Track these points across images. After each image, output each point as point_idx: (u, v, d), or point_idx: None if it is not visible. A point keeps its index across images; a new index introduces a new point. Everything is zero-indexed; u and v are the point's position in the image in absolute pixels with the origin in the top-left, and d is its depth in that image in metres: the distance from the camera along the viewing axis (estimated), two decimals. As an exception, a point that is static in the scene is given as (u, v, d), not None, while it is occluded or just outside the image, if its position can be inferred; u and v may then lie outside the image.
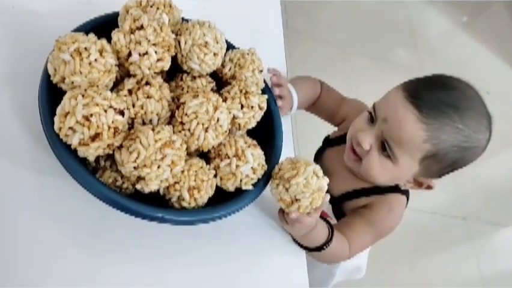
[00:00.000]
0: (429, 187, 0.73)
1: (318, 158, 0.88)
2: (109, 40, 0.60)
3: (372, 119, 0.71)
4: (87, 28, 0.61)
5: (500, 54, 2.61)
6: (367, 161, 0.70)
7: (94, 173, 0.55)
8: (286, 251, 0.66)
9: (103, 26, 0.62)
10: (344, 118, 0.87)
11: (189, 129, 0.55)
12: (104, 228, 0.55)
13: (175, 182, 0.54)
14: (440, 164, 0.68)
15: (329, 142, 0.87)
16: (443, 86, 0.67)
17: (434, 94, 0.66)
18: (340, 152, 0.76)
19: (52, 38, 0.54)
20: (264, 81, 0.70)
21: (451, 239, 1.84)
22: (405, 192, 0.78)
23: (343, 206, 0.79)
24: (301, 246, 0.67)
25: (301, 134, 1.45)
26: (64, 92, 0.52)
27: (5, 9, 0.66)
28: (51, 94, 0.54)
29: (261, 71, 0.68)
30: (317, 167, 0.58)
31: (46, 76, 0.54)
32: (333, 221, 0.81)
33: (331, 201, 0.68)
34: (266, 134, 0.67)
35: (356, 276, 1.02)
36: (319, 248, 0.66)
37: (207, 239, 0.61)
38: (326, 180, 0.59)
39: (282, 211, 0.62)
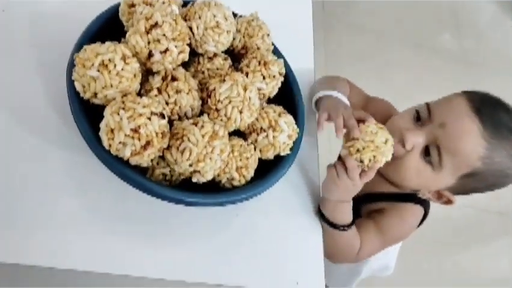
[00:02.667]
0: (449, 201, 0.71)
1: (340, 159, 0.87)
2: (118, 36, 0.59)
3: (419, 119, 0.68)
4: (93, 30, 0.60)
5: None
6: (404, 162, 0.67)
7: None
8: (304, 237, 0.67)
9: (108, 24, 0.62)
10: None
11: (225, 115, 0.57)
12: (125, 208, 0.58)
13: (225, 166, 0.57)
14: (477, 184, 0.67)
15: None
16: (506, 109, 0.66)
17: (499, 114, 0.65)
18: None
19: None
20: (272, 43, 0.71)
21: (486, 234, 1.78)
22: (425, 204, 0.77)
23: (361, 208, 0.79)
24: (325, 220, 0.67)
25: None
26: (93, 104, 0.54)
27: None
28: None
29: (268, 35, 0.68)
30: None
31: (73, 92, 0.54)
32: None
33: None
34: (285, 96, 0.69)
35: (384, 274, 1.02)
36: (339, 226, 0.67)
37: (227, 221, 0.63)
38: (391, 151, 0.62)
39: (336, 167, 0.64)
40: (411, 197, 0.76)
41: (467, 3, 2.44)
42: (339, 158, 0.65)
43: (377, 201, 0.77)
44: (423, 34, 2.23)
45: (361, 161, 0.63)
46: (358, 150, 0.62)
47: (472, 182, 0.67)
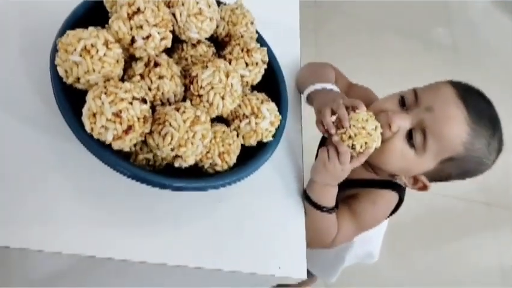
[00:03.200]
0: (424, 187, 0.73)
1: (321, 146, 0.85)
2: (102, 22, 0.60)
3: (403, 103, 0.69)
4: (78, 16, 0.61)
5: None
6: (389, 144, 0.67)
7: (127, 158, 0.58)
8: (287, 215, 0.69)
9: (93, 10, 0.62)
10: None
11: (207, 101, 0.58)
12: (115, 195, 0.59)
13: (207, 152, 0.58)
14: (455, 169, 0.69)
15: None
16: (486, 100, 0.69)
17: (481, 104, 0.68)
18: None
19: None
20: (256, 31, 0.71)
21: (473, 225, 1.81)
22: (400, 191, 0.78)
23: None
24: (311, 202, 0.69)
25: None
26: (76, 89, 0.54)
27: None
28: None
29: (252, 22, 0.69)
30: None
31: (56, 77, 0.55)
32: None
33: None
34: (268, 83, 0.70)
35: (368, 261, 1.03)
36: (322, 208, 0.68)
37: (215, 205, 0.64)
38: (380, 137, 0.65)
39: (328, 150, 0.66)
40: (387, 184, 0.77)
41: (458, -5, 2.46)
42: (323, 143, 0.66)
43: (352, 188, 0.78)
44: (416, 27, 2.25)
45: (353, 148, 0.64)
46: (350, 137, 0.64)
47: (450, 167, 0.69)
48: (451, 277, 1.65)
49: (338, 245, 0.76)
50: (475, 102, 0.67)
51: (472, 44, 2.34)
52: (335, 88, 0.76)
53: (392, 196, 0.78)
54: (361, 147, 0.64)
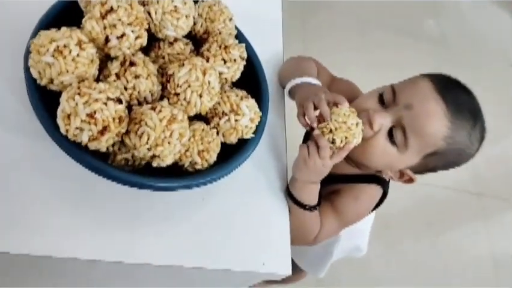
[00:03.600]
0: (410, 180, 0.73)
1: (308, 138, 0.85)
2: (77, 22, 0.59)
3: (383, 101, 0.69)
4: (51, 16, 0.60)
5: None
6: (370, 143, 0.68)
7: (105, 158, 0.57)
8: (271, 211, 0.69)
9: (66, 10, 0.61)
10: None
11: (185, 99, 0.57)
12: (95, 196, 0.58)
13: (186, 150, 0.58)
14: (438, 162, 0.69)
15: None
16: (467, 92, 0.68)
17: (461, 96, 0.67)
18: None
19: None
20: (236, 27, 0.71)
21: (464, 215, 1.81)
22: (383, 184, 0.78)
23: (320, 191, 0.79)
24: (293, 199, 0.69)
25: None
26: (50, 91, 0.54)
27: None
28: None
29: (231, 18, 0.68)
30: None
31: (30, 78, 0.54)
32: None
33: None
34: (248, 79, 0.70)
35: (356, 255, 1.03)
36: (304, 206, 0.68)
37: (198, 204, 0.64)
38: (361, 134, 0.65)
39: (308, 147, 0.65)
40: (370, 178, 0.77)
41: (447, -14, 2.46)
42: (307, 138, 0.66)
43: (335, 183, 0.77)
44: (405, 20, 2.24)
45: (333, 142, 0.64)
46: (331, 131, 0.64)
47: (434, 161, 0.69)
48: (442, 267, 1.66)
49: (321, 241, 0.76)
50: (454, 95, 0.66)
51: (462, 36, 2.34)
52: (317, 82, 0.75)
53: (375, 190, 0.78)
54: (341, 141, 0.64)
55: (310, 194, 0.69)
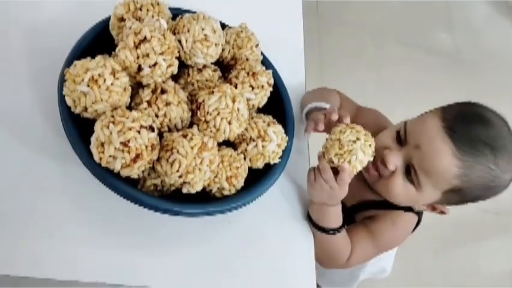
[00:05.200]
0: (442, 212, 0.73)
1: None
2: (109, 48, 0.61)
3: (400, 139, 0.70)
4: (84, 45, 0.61)
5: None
6: (390, 183, 0.69)
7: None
8: (296, 244, 0.68)
9: (98, 37, 0.63)
10: None
11: (214, 126, 0.58)
12: (124, 220, 0.59)
13: (214, 176, 0.58)
14: (461, 198, 0.69)
15: None
16: (482, 122, 0.66)
17: (473, 130, 0.65)
18: None
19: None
20: (262, 53, 0.72)
21: (482, 233, 1.78)
22: (419, 212, 0.78)
23: (354, 218, 0.80)
24: (313, 223, 0.68)
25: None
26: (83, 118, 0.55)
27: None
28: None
29: (257, 45, 0.69)
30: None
31: (64, 106, 0.55)
32: None
33: (343, 211, 0.70)
34: (275, 105, 0.70)
35: (381, 276, 1.03)
36: (328, 231, 0.68)
37: (218, 229, 0.64)
38: (362, 150, 0.62)
39: (314, 170, 0.65)
40: (405, 207, 0.76)
41: (461, 2, 2.45)
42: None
43: (370, 209, 0.77)
44: (418, 33, 2.25)
45: (332, 161, 0.63)
46: (327, 149, 0.64)
47: (458, 197, 0.69)
48: (460, 284, 1.63)
49: (355, 265, 0.75)
50: (464, 130, 0.65)
51: (475, 50, 2.33)
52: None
53: (411, 217, 0.78)
54: (338, 160, 0.62)
55: (329, 216, 0.68)
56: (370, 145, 0.63)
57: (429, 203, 0.72)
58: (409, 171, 0.68)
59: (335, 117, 0.66)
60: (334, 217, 0.68)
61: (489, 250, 1.77)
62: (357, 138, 0.63)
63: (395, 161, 0.68)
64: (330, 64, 1.87)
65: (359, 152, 0.62)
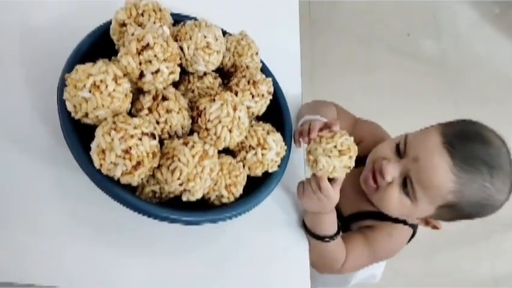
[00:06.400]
0: (435, 227, 0.74)
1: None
2: (108, 53, 0.60)
3: (399, 152, 0.71)
4: (84, 49, 0.61)
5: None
6: (386, 194, 0.70)
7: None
8: (290, 253, 0.69)
9: (99, 41, 0.63)
10: (360, 140, 0.81)
11: (215, 134, 0.58)
12: (121, 226, 0.59)
13: (214, 184, 0.58)
14: (455, 214, 0.70)
15: None
16: (482, 140, 0.67)
17: (472, 147, 0.66)
18: (353, 175, 0.73)
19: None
20: (261, 61, 0.72)
21: (467, 237, 1.80)
22: (414, 226, 0.79)
23: (351, 227, 0.81)
24: (308, 231, 0.69)
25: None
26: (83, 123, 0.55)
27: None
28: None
29: (257, 53, 0.69)
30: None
31: (64, 111, 0.55)
32: None
33: (340, 220, 0.70)
34: (273, 113, 0.70)
35: (371, 281, 1.03)
36: (323, 238, 0.68)
37: (214, 237, 0.64)
38: (340, 160, 0.62)
39: (302, 183, 0.66)
40: (400, 220, 0.77)
41: (447, 9, 2.50)
42: None
43: (367, 219, 0.78)
44: (405, 41, 2.28)
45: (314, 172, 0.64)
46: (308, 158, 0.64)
47: (451, 212, 0.70)
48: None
49: (349, 271, 0.76)
50: (463, 147, 0.66)
51: (461, 56, 2.38)
52: (324, 119, 0.76)
53: (407, 230, 0.79)
54: (320, 169, 0.62)
55: (323, 224, 0.69)
56: (335, 146, 0.62)
57: (423, 217, 0.73)
58: (406, 184, 0.69)
59: (312, 129, 0.66)
60: (328, 225, 0.69)
61: (473, 255, 1.80)
62: (320, 144, 0.63)
63: (392, 172, 0.69)
64: (319, 70, 1.90)
65: (323, 158, 0.62)
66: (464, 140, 0.67)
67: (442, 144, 0.66)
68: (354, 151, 0.63)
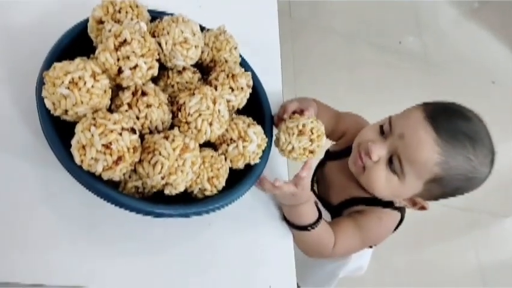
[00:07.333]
0: (423, 208, 0.76)
1: (319, 169, 0.90)
2: (87, 50, 0.60)
3: (382, 132, 0.73)
4: (62, 47, 0.61)
5: (508, 44, 2.55)
6: (373, 173, 0.72)
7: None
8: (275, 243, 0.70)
9: (77, 39, 0.63)
10: (344, 133, 0.87)
11: (195, 127, 0.58)
12: (106, 222, 0.59)
13: (196, 177, 0.59)
14: (442, 189, 0.71)
15: (329, 155, 0.88)
16: (462, 116, 0.70)
17: (454, 122, 0.69)
18: (341, 166, 0.76)
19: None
20: (240, 55, 0.73)
21: (451, 229, 1.84)
22: (401, 210, 0.81)
23: (342, 213, 0.82)
24: (289, 223, 0.70)
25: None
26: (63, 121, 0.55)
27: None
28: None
29: (236, 47, 0.70)
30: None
31: (43, 108, 0.55)
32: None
33: (330, 209, 0.72)
34: (253, 106, 0.71)
35: (357, 273, 1.06)
36: (305, 228, 0.69)
37: (201, 229, 0.65)
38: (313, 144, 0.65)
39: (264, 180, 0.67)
40: (389, 204, 0.79)
41: (428, 5, 2.54)
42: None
43: (358, 205, 0.80)
44: (387, 37, 2.31)
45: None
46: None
47: (438, 187, 0.71)
48: (432, 281, 1.68)
49: (341, 254, 0.77)
50: (446, 122, 0.69)
51: (442, 52, 2.41)
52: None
53: (395, 215, 0.80)
54: (280, 147, 0.67)
55: (302, 214, 0.69)
56: (297, 126, 0.66)
57: (411, 195, 0.74)
58: (392, 161, 0.71)
59: (285, 111, 0.70)
60: (307, 213, 0.69)
61: (458, 246, 1.84)
62: (285, 123, 0.67)
63: (378, 151, 0.71)
64: (302, 66, 1.91)
65: (283, 135, 0.67)
66: (446, 115, 0.70)
67: (426, 119, 0.69)
68: (317, 136, 0.65)
